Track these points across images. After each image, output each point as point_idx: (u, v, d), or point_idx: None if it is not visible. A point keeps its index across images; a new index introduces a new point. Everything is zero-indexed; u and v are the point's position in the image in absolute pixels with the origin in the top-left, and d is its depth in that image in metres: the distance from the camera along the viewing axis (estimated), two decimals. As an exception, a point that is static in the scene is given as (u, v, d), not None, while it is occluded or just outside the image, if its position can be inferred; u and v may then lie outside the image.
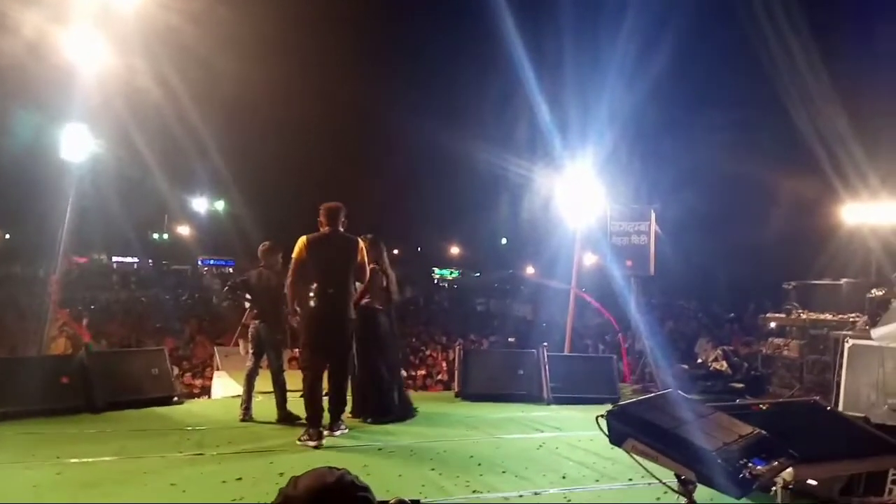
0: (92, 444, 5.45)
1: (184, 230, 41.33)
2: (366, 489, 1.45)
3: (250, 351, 6.74)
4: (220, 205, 38.97)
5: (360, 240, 6.04)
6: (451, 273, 51.60)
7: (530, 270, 30.85)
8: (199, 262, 42.14)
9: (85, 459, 4.96)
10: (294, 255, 5.84)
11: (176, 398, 7.55)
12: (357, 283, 6.15)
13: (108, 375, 7.06)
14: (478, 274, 46.91)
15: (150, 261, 39.90)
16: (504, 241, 43.09)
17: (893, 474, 4.08)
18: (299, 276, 5.84)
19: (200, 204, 38.22)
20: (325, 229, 5.89)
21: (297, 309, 5.92)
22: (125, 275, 34.18)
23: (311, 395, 5.68)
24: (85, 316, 14.44)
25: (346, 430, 5.96)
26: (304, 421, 5.78)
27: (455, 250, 50.71)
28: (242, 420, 6.49)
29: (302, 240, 5.82)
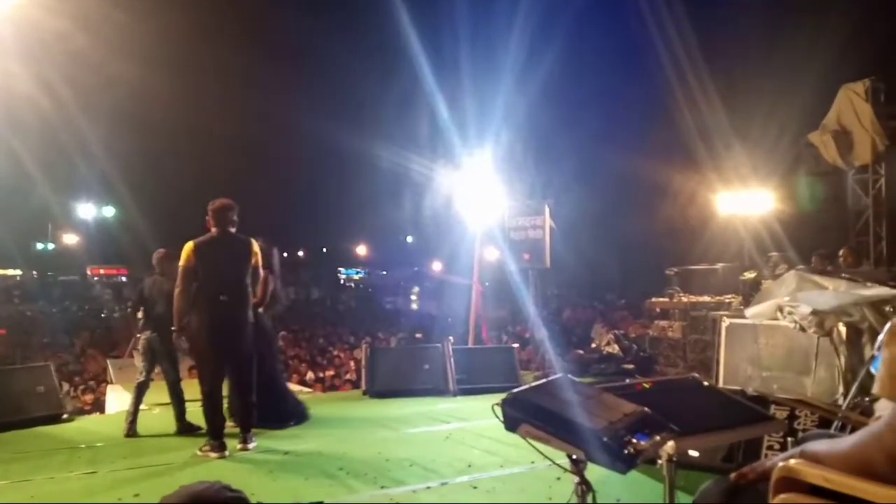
0: (-29, 471, 5.09)
1: (70, 239, 38.89)
2: (240, 494, 1.48)
3: (142, 362, 6.46)
4: (109, 211, 36.91)
5: (253, 241, 5.63)
6: (358, 273, 51.24)
7: (437, 267, 31.14)
8: (88, 272, 39.77)
9: (-37, 488, 4.64)
10: (181, 262, 5.36)
11: (65, 416, 7.14)
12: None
13: (-13, 396, 6.60)
14: (384, 272, 46.82)
15: (34, 272, 37.32)
16: (409, 238, 43.23)
17: (768, 441, 4.45)
18: (190, 285, 5.36)
19: (87, 210, 36.07)
20: (213, 231, 5.47)
21: (183, 323, 5.47)
22: (7, 288, 31.77)
23: (210, 406, 5.36)
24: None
25: (256, 444, 5.58)
26: (204, 432, 5.62)
27: (361, 250, 50.37)
28: (127, 435, 6.17)
29: (188, 245, 5.35)
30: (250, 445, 5.49)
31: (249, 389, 5.63)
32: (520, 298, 9.53)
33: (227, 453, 5.29)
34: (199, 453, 5.35)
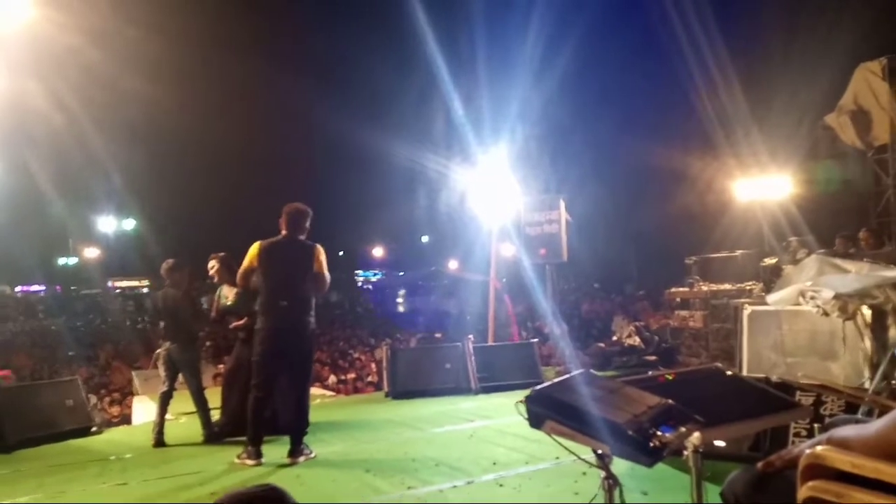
0: (6, 486, 5.19)
1: (91, 252, 39.39)
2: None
3: (162, 373, 6.53)
4: (128, 223, 37.36)
5: (318, 245, 5.47)
6: (375, 274, 51.34)
7: (453, 265, 31.14)
8: (111, 285, 40.25)
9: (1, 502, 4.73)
10: (246, 262, 5.36)
11: (94, 428, 7.26)
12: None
13: (18, 411, 6.72)
14: (402, 273, 46.88)
15: (57, 287, 37.85)
16: (425, 238, 43.27)
17: (795, 428, 4.42)
18: (248, 286, 5.43)
19: (108, 223, 36.55)
20: (282, 234, 5.37)
21: (239, 335, 5.58)
22: (31, 304, 32.26)
23: (255, 414, 5.25)
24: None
25: (314, 455, 5.38)
26: (231, 440, 5.66)
27: (378, 251, 50.47)
28: (155, 445, 6.24)
29: (255, 246, 5.31)
30: (301, 458, 5.27)
31: (303, 398, 5.46)
32: (537, 293, 9.51)
33: (262, 461, 5.22)
34: (236, 461, 5.31)
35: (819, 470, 1.90)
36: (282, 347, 5.32)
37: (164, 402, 6.43)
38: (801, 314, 6.38)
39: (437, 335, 15.94)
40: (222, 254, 6.58)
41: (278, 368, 5.37)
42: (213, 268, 6.55)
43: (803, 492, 1.96)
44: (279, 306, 5.28)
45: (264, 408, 5.35)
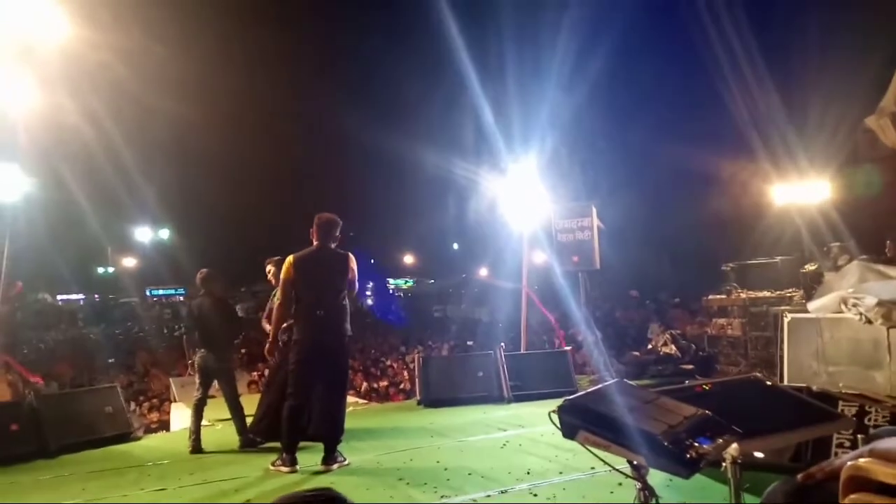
0: (49, 491, 5.31)
1: (129, 262, 40.27)
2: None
3: (197, 381, 6.63)
4: (164, 233, 38.13)
5: (350, 255, 5.56)
6: (406, 282, 51.52)
7: (483, 273, 31.08)
8: (148, 293, 41.08)
9: (42, 507, 4.84)
10: (283, 276, 5.41)
11: (133, 434, 7.40)
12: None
13: (59, 418, 6.87)
14: (432, 281, 46.96)
15: (96, 296, 38.75)
16: (455, 246, 43.28)
17: (838, 439, 4.31)
18: (290, 298, 5.42)
19: (144, 233, 37.35)
20: (314, 245, 5.46)
21: (281, 337, 5.59)
22: (72, 312, 33.08)
23: (290, 422, 5.27)
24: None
25: (347, 462, 5.42)
26: (266, 445, 5.71)
27: (409, 259, 50.64)
28: (192, 452, 6.34)
29: (288, 259, 5.40)
30: (334, 465, 5.30)
31: (338, 407, 5.48)
32: (570, 301, 9.43)
33: (297, 468, 5.26)
34: (271, 468, 5.36)
35: (861, 482, 1.85)
36: (318, 356, 5.36)
37: (199, 409, 6.52)
38: (843, 322, 6.23)
39: (470, 343, 15.92)
40: (277, 258, 6.67)
41: (314, 377, 5.39)
42: (269, 272, 6.65)
43: (846, 504, 1.90)
44: (316, 316, 5.35)
45: (300, 415, 5.37)
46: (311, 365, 5.36)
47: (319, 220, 5.47)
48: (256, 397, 8.39)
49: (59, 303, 36.51)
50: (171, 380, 11.22)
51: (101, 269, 43.01)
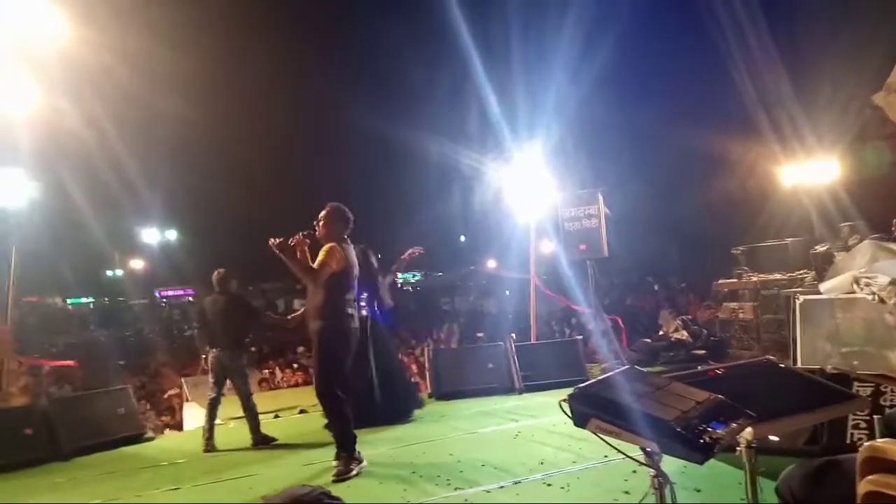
0: (63, 493, 5.34)
1: (137, 264, 40.43)
2: (338, 500, 1.49)
3: (211, 379, 6.65)
4: (171, 234, 38.22)
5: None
6: (414, 276, 51.50)
7: (492, 264, 30.98)
8: (157, 295, 41.24)
9: (58, 509, 4.86)
10: (336, 264, 5.03)
11: (146, 435, 7.43)
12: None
13: (72, 421, 6.91)
14: (440, 273, 46.92)
15: (105, 299, 38.93)
16: (463, 238, 43.19)
17: (853, 420, 4.26)
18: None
19: (151, 235, 37.43)
20: (342, 238, 5.17)
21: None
22: (82, 316, 33.25)
23: (348, 421, 5.08)
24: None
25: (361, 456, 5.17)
26: (279, 442, 5.69)
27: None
28: (206, 451, 6.37)
29: (337, 247, 5.06)
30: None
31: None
32: (579, 289, 9.38)
33: (364, 464, 5.06)
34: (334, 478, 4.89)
35: (879, 463, 1.82)
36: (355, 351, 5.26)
37: (213, 408, 6.55)
38: (855, 302, 6.17)
39: (479, 334, 15.89)
40: (360, 246, 6.63)
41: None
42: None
43: (863, 486, 1.87)
44: (352, 308, 5.15)
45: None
46: (346, 359, 5.22)
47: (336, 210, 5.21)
48: (268, 395, 8.42)
49: (69, 307, 36.73)
50: (182, 380, 11.24)
51: (109, 272, 43.15)
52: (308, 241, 5.06)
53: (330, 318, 4.99)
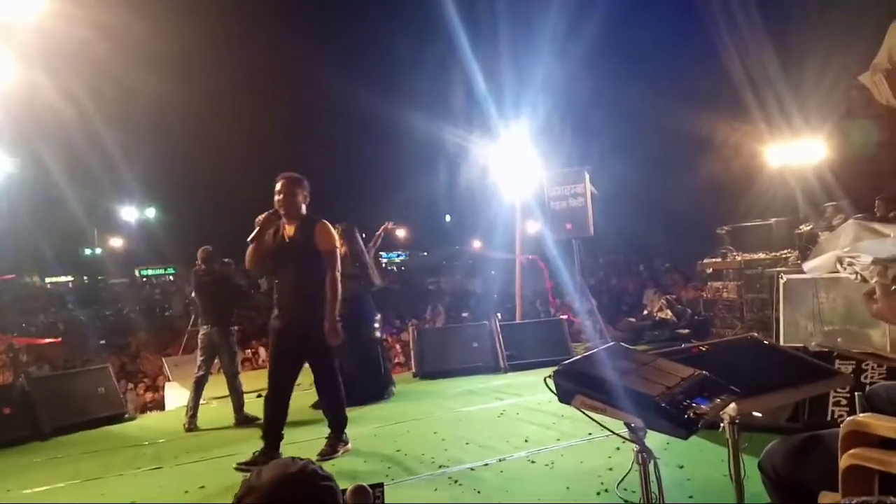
0: (43, 472, 5.28)
1: (116, 242, 40.03)
2: (329, 478, 1.45)
3: (200, 357, 6.60)
4: (150, 212, 37.80)
5: None
6: (399, 255, 51.43)
7: (477, 244, 30.99)
8: (137, 274, 40.89)
9: (37, 489, 4.80)
10: (340, 247, 4.95)
11: (127, 415, 7.37)
12: None
13: (52, 400, 6.85)
14: (425, 253, 46.92)
15: (84, 277, 38.55)
16: (448, 218, 43.16)
17: (834, 397, 4.29)
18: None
19: (130, 213, 37.03)
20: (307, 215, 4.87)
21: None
22: (61, 295, 32.88)
23: (343, 402, 4.96)
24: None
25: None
26: (261, 422, 5.64)
27: (401, 233, 50.49)
28: (188, 429, 6.32)
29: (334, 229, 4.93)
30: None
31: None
32: (565, 269, 9.37)
33: (349, 447, 4.97)
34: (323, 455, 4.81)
35: (861, 437, 1.81)
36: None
37: (200, 386, 6.49)
38: (838, 282, 6.20)
39: (465, 314, 15.90)
40: (344, 224, 6.56)
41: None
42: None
43: (845, 460, 1.87)
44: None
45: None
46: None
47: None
48: (251, 375, 8.35)
49: (48, 285, 36.31)
50: (164, 360, 11.17)
51: (87, 251, 42.70)
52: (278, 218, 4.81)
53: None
